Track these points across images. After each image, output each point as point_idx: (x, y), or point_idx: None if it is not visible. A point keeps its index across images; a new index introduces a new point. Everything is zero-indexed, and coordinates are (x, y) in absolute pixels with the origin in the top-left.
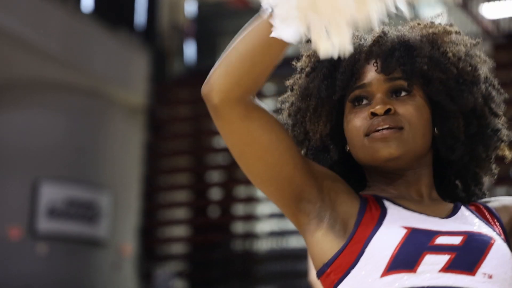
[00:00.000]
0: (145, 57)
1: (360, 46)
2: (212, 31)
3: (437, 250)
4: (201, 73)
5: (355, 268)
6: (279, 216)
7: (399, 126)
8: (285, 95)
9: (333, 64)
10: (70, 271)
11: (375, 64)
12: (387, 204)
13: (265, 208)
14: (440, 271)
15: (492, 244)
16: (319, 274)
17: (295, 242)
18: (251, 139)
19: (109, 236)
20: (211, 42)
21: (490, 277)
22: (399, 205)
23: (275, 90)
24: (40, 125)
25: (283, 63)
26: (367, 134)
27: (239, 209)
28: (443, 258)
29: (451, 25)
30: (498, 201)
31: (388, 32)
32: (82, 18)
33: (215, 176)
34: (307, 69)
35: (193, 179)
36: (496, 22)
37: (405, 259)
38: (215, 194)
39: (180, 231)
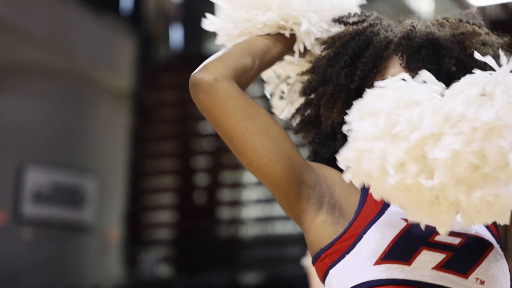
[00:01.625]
0: (131, 42)
1: (386, 38)
2: (199, 16)
3: (435, 247)
4: (188, 58)
5: (350, 253)
6: (265, 202)
7: None
8: (304, 70)
9: (356, 53)
10: (55, 256)
11: (400, 58)
12: None
13: (251, 194)
14: (433, 268)
15: (489, 251)
16: (314, 260)
17: (280, 228)
18: (254, 112)
19: (95, 221)
20: (198, 27)
21: (482, 282)
22: None
23: (260, 76)
24: (25, 109)
25: None
26: None
27: (225, 194)
28: (439, 256)
29: (480, 25)
30: None
31: (417, 26)
32: (68, 3)
33: (201, 161)
34: (329, 53)
35: (179, 165)
36: (482, 9)
37: (402, 250)
38: (201, 179)
39: (165, 216)
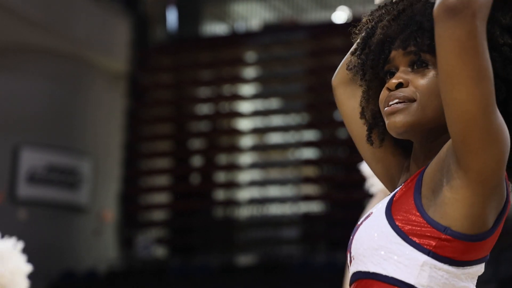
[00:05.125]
0: (127, 23)
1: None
2: None
3: (348, 248)
4: (183, 40)
5: None
6: (260, 183)
7: (410, 98)
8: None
9: (364, 45)
10: (51, 236)
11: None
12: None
13: (246, 175)
14: (349, 267)
15: (361, 224)
16: None
17: (275, 209)
18: (342, 106)
19: (90, 202)
20: (194, 9)
21: (353, 258)
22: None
23: (256, 58)
24: (21, 90)
25: (264, 31)
26: (384, 109)
27: (220, 176)
28: (348, 255)
29: None
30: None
31: (408, 7)
32: None
33: (196, 143)
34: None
35: (174, 146)
36: None
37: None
38: (197, 161)
39: (161, 197)
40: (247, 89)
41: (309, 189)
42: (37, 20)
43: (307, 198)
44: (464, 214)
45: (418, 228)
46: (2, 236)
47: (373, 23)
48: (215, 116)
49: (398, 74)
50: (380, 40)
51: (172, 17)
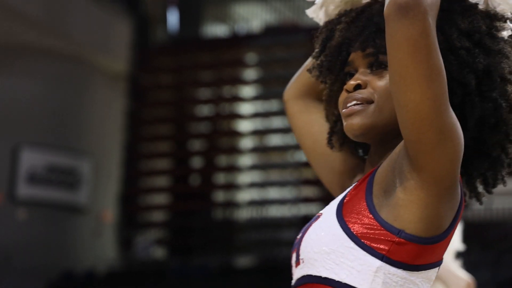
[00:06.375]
0: (128, 24)
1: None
2: (195, 0)
3: (294, 248)
4: (184, 41)
5: None
6: (260, 185)
7: (368, 100)
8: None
9: (323, 49)
10: (50, 237)
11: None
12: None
13: (245, 177)
14: (294, 268)
15: (310, 226)
16: None
17: (275, 211)
18: (292, 119)
19: (90, 202)
20: (194, 11)
21: (303, 261)
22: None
23: (256, 60)
24: (21, 90)
25: (265, 33)
26: (342, 111)
27: (220, 177)
28: (294, 255)
29: None
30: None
31: (367, 9)
32: None
33: (196, 144)
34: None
35: (174, 147)
36: None
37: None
38: (196, 162)
39: (160, 198)
40: (247, 91)
41: (308, 191)
42: (37, 20)
43: (306, 200)
44: (418, 216)
45: (372, 231)
46: (3, 236)
47: (332, 25)
48: (215, 117)
49: (356, 76)
50: (338, 42)
51: (173, 18)
